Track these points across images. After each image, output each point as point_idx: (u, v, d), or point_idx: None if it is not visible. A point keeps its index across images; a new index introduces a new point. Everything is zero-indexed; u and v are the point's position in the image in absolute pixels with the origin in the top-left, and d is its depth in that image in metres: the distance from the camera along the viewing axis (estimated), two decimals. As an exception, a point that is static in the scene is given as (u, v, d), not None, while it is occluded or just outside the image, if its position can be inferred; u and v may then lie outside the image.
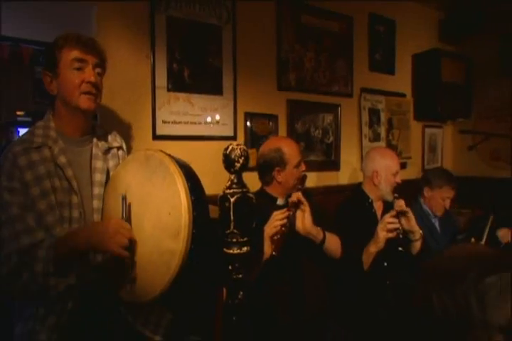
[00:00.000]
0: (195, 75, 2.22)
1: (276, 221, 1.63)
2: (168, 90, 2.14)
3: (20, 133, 2.88)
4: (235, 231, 1.36)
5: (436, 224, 2.70)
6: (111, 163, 1.46)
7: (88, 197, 1.34)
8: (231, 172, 1.39)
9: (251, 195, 1.40)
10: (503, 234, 2.56)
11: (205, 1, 2.24)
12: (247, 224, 1.38)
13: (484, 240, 2.42)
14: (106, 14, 1.95)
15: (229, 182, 1.39)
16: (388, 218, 1.96)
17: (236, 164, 1.36)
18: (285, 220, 1.63)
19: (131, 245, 1.18)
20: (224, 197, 1.37)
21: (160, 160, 1.23)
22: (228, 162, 1.38)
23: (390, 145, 3.34)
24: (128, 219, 1.22)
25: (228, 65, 2.34)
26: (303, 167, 1.96)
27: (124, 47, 2.01)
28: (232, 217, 1.34)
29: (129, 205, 1.24)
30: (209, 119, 2.28)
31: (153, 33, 2.07)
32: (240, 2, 2.40)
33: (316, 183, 2.86)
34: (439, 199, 2.61)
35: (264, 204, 1.91)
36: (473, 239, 2.48)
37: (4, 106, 4.08)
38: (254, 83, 2.48)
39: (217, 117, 2.30)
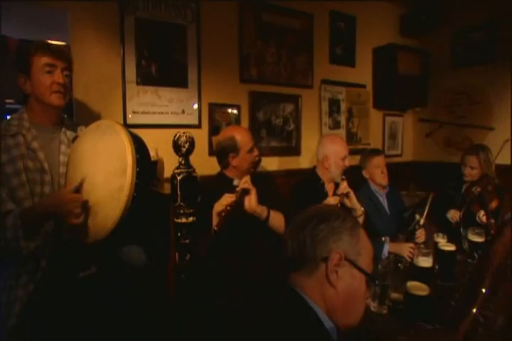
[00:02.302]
0: (162, 70, 2.49)
1: (223, 200, 1.88)
2: (138, 84, 2.42)
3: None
4: (182, 204, 1.68)
5: (385, 204, 3.00)
6: None
7: (57, 176, 1.62)
8: (179, 156, 1.70)
9: (195, 174, 1.72)
10: (451, 215, 2.89)
11: (171, 2, 2.50)
12: (192, 198, 1.70)
13: (425, 215, 2.71)
14: (79, 17, 2.20)
15: (177, 164, 1.70)
16: (330, 197, 2.26)
17: (182, 149, 1.70)
18: (230, 201, 1.86)
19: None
20: (173, 176, 1.69)
21: (107, 124, 1.55)
22: (176, 147, 1.70)
23: (350, 133, 3.64)
24: (77, 190, 1.47)
25: (193, 61, 2.61)
26: (255, 152, 2.23)
27: (96, 46, 2.27)
28: (179, 192, 1.66)
29: (81, 185, 1.51)
30: (175, 110, 2.56)
31: (123, 33, 2.33)
32: (204, 2, 2.64)
33: (278, 167, 3.16)
34: (373, 170, 2.87)
35: (222, 185, 2.20)
36: (417, 215, 2.79)
37: (-5, 95, 4.28)
38: (217, 76, 2.75)
39: (183, 108, 2.58)
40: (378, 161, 2.86)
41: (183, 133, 1.63)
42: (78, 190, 1.49)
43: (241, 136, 2.17)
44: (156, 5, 2.44)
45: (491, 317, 0.86)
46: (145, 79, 2.43)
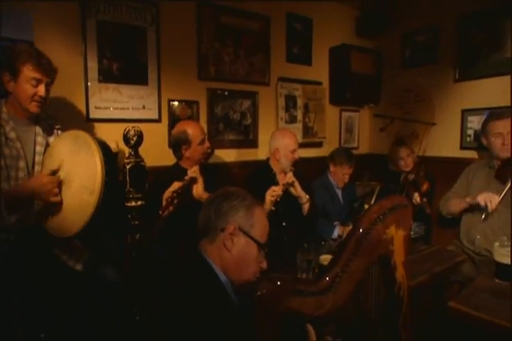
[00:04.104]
0: (123, 69, 2.70)
1: (171, 187, 2.10)
2: (100, 81, 2.62)
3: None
4: (131, 189, 1.92)
5: (339, 194, 3.29)
6: (51, 139, 1.96)
7: (32, 163, 1.84)
8: (128, 147, 1.93)
9: (143, 164, 1.97)
10: None
11: (131, 5, 2.70)
12: (140, 184, 1.95)
13: (372, 204, 3.00)
14: (42, 19, 2.39)
15: (127, 154, 1.94)
16: (274, 187, 2.52)
17: (131, 141, 1.94)
18: (177, 188, 2.09)
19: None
20: (123, 165, 1.92)
21: (85, 139, 1.75)
22: (126, 140, 1.94)
23: (306, 127, 3.91)
24: (53, 173, 1.72)
25: (153, 60, 2.82)
26: (206, 144, 2.47)
27: (60, 48, 2.46)
28: (128, 179, 1.90)
29: (58, 170, 1.76)
30: (136, 105, 2.78)
31: (85, 34, 2.53)
32: (163, 5, 2.85)
33: (235, 158, 3.41)
34: (339, 174, 3.18)
35: (177, 174, 2.43)
36: (366, 205, 3.09)
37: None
38: (176, 75, 2.97)
39: (143, 103, 2.80)
40: (347, 170, 3.14)
41: (132, 127, 1.87)
42: (54, 173, 1.72)
43: (192, 130, 2.40)
44: (117, 8, 2.63)
45: (349, 273, 1.13)
46: (106, 77, 2.63)
